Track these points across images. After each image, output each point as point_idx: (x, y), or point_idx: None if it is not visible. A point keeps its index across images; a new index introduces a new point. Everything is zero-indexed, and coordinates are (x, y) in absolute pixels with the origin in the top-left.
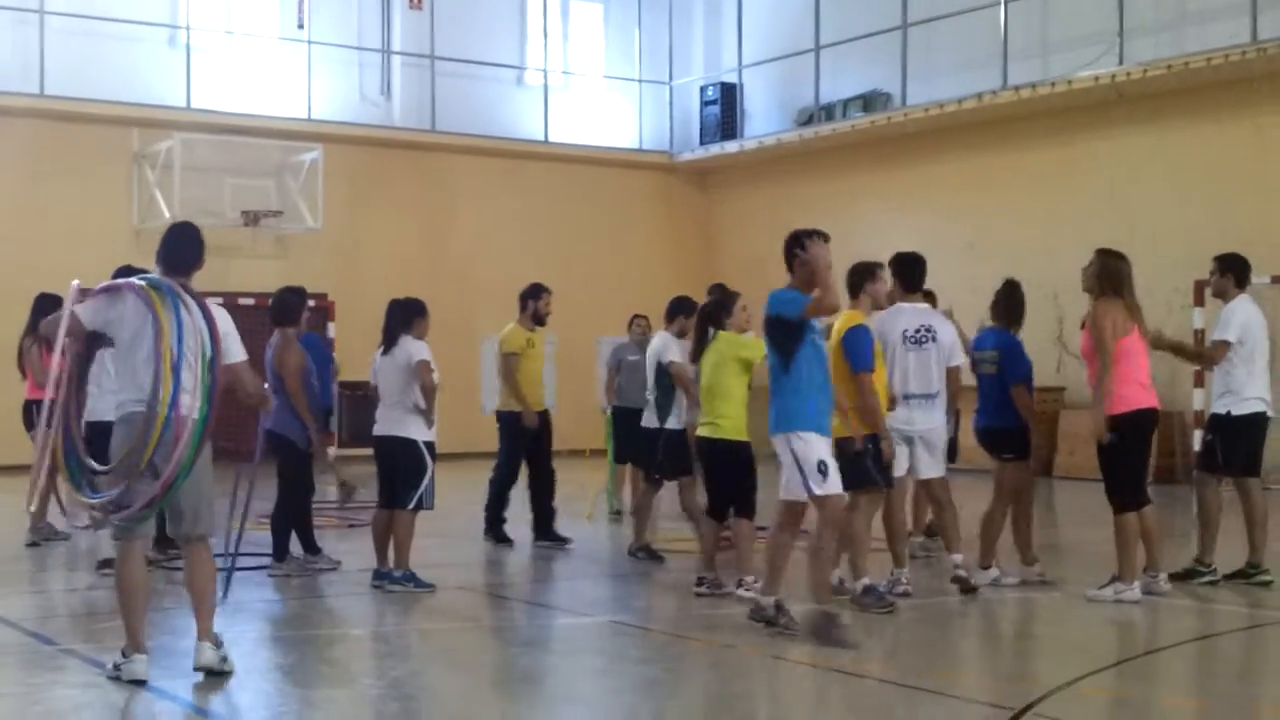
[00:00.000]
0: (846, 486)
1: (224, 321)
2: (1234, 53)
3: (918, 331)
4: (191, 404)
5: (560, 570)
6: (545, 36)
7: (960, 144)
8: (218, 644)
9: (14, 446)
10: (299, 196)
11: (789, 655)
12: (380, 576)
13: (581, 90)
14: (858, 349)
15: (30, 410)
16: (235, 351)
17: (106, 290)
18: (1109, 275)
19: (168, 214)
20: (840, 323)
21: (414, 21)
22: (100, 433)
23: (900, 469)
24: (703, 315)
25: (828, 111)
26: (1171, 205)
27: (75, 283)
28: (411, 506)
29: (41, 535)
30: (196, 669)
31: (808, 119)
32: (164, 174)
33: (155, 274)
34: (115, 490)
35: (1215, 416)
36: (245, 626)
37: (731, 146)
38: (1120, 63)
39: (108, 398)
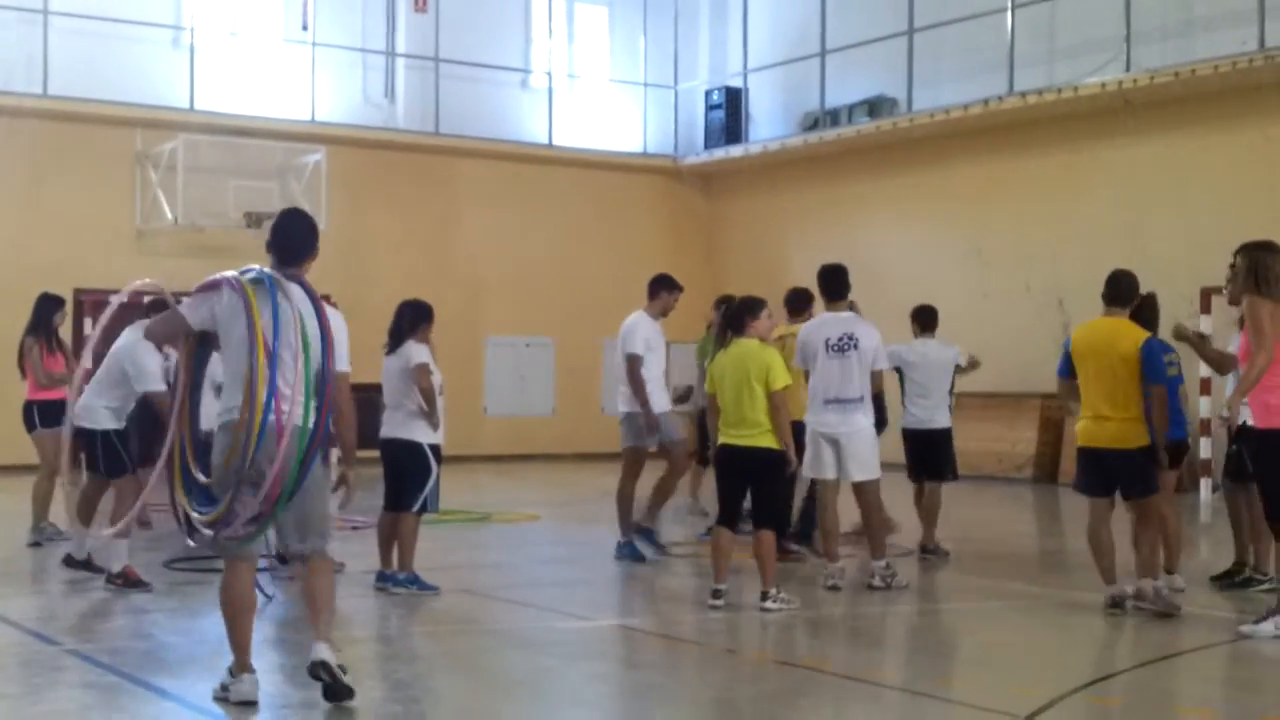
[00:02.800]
0: None
1: (335, 322)
2: (1242, 60)
3: (840, 340)
4: (293, 409)
5: (565, 575)
6: (550, 39)
7: (966, 150)
8: (336, 650)
9: (15, 447)
10: (302, 198)
11: (793, 660)
12: (384, 578)
13: (586, 94)
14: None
15: (30, 411)
16: (345, 359)
17: (205, 288)
18: (1262, 270)
19: (170, 215)
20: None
21: (418, 24)
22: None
23: (829, 471)
24: (726, 319)
25: (833, 116)
26: (1178, 213)
27: (142, 281)
28: (416, 509)
29: (44, 535)
30: (313, 666)
31: (813, 124)
32: (167, 175)
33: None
34: (218, 505)
35: (1244, 426)
36: None
37: (736, 151)
38: (1127, 69)
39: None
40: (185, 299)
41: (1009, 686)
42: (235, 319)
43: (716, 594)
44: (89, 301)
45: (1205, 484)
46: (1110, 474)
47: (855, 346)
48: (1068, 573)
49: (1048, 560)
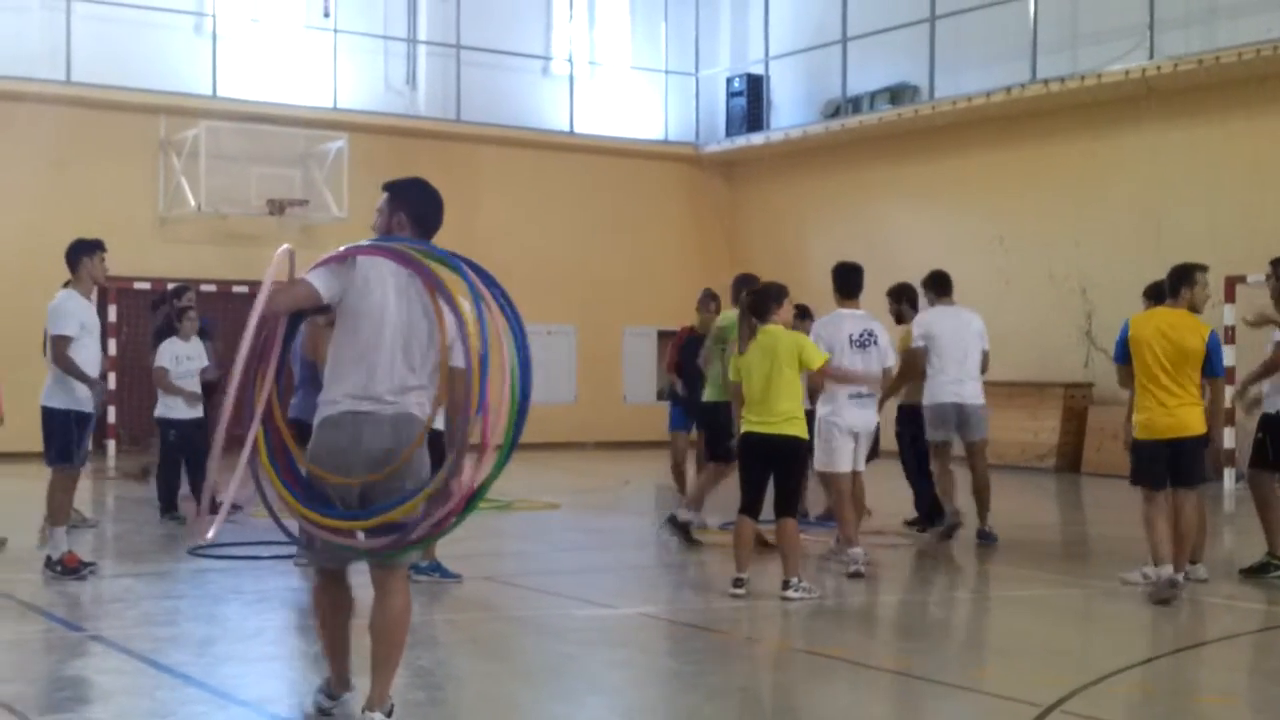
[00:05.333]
0: None
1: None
2: (1265, 47)
3: (862, 335)
4: (500, 406)
5: (585, 562)
6: (571, 26)
7: (988, 138)
8: (389, 711)
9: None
10: (324, 185)
11: (814, 649)
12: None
13: (607, 81)
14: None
15: None
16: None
17: (339, 258)
18: None
19: (193, 202)
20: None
21: (440, 11)
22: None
23: (846, 464)
24: (747, 306)
25: (855, 104)
26: (1201, 201)
27: (286, 247)
28: None
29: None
30: None
31: (834, 111)
32: (190, 162)
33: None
34: (373, 510)
35: (1266, 416)
36: (272, 615)
37: (757, 138)
38: (1150, 57)
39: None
40: (311, 270)
41: (1032, 676)
42: (395, 294)
43: (738, 583)
44: (112, 289)
45: (1229, 474)
46: (1168, 463)
47: (875, 342)
48: (1091, 562)
49: (1071, 550)
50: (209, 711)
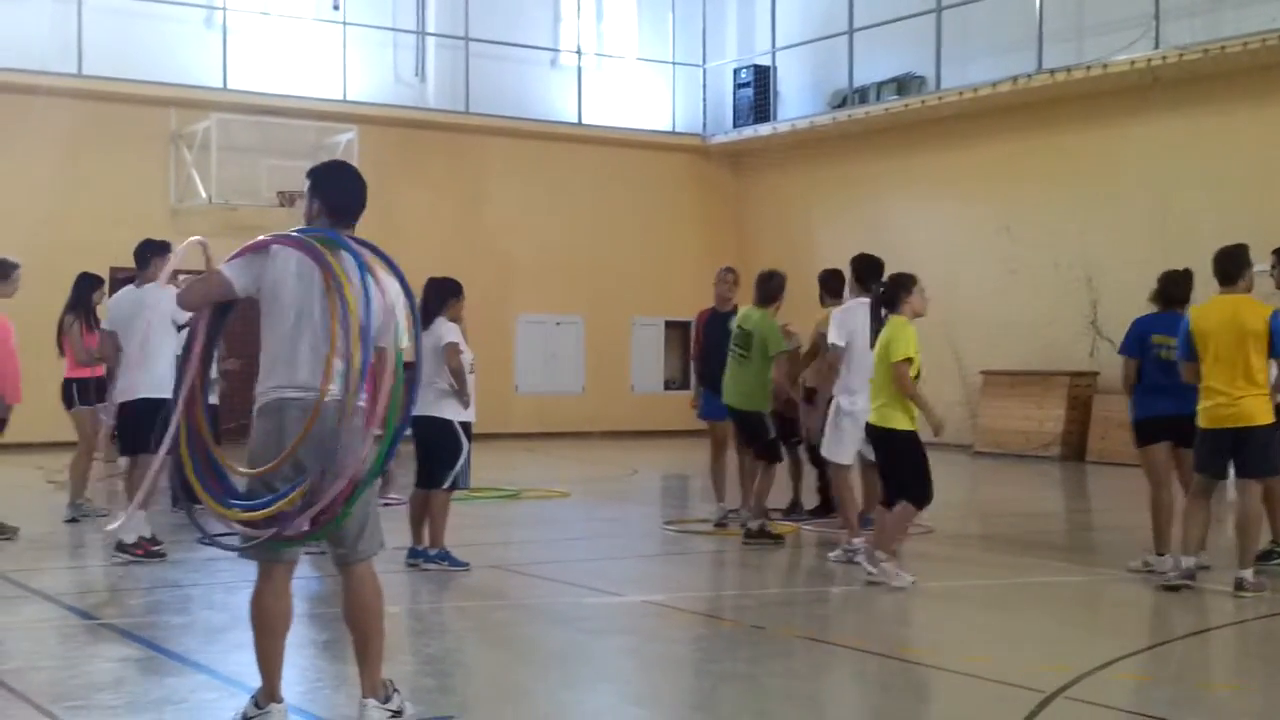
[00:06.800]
0: None
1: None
2: (1271, 37)
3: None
4: (383, 391)
5: (594, 551)
6: (579, 18)
7: (994, 128)
8: (386, 697)
9: (54, 424)
10: None
11: (820, 636)
12: (415, 555)
13: (615, 72)
14: None
15: (70, 388)
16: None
17: (252, 249)
18: None
19: (204, 194)
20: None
21: (449, 3)
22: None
23: (850, 456)
24: (879, 298)
25: (861, 94)
26: (1206, 190)
27: (196, 239)
28: (447, 486)
29: (81, 512)
30: None
31: (841, 102)
32: (201, 154)
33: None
34: (258, 499)
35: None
36: None
37: (765, 129)
38: (1156, 46)
39: (132, 374)
40: (227, 262)
41: (1037, 662)
42: (298, 283)
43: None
44: (125, 280)
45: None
46: (1231, 453)
47: None
48: (1096, 550)
49: (1075, 538)
50: (219, 699)
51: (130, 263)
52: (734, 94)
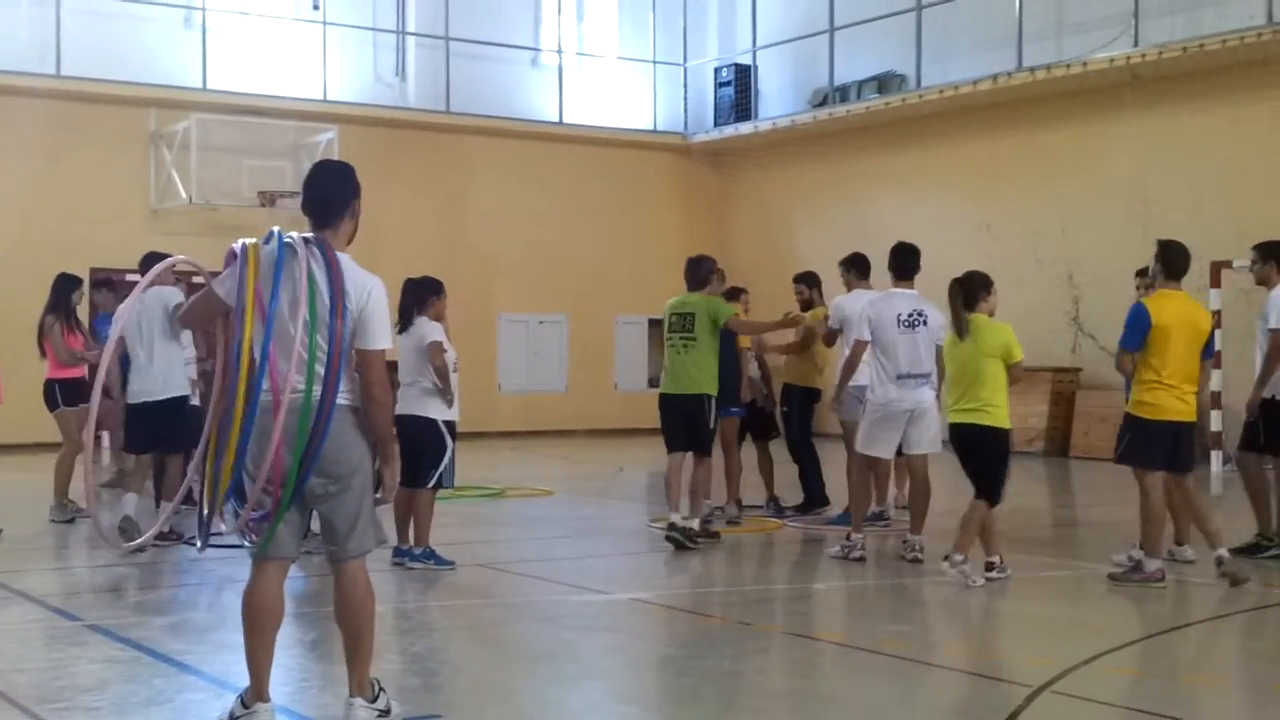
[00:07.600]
0: None
1: (376, 293)
2: (1249, 35)
3: (911, 315)
4: (289, 382)
5: (579, 549)
6: (560, 17)
7: (975, 126)
8: (373, 697)
9: (36, 426)
10: None
11: (806, 632)
12: (401, 554)
13: (596, 71)
14: None
15: (52, 389)
16: (375, 335)
17: (230, 257)
18: None
19: (184, 194)
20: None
21: (429, 2)
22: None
23: (887, 450)
24: (959, 297)
25: (842, 93)
26: (1186, 187)
27: (173, 259)
28: (431, 485)
29: (66, 513)
30: None
31: (822, 100)
32: (180, 154)
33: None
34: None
35: (1265, 402)
36: None
37: (746, 128)
38: (1136, 44)
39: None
40: (216, 278)
41: (1024, 657)
42: (241, 288)
43: (990, 567)
44: (103, 281)
45: (1216, 456)
46: (1178, 447)
47: (925, 323)
48: (1080, 545)
49: (1060, 533)
50: (207, 699)
51: (111, 264)
52: (715, 93)
